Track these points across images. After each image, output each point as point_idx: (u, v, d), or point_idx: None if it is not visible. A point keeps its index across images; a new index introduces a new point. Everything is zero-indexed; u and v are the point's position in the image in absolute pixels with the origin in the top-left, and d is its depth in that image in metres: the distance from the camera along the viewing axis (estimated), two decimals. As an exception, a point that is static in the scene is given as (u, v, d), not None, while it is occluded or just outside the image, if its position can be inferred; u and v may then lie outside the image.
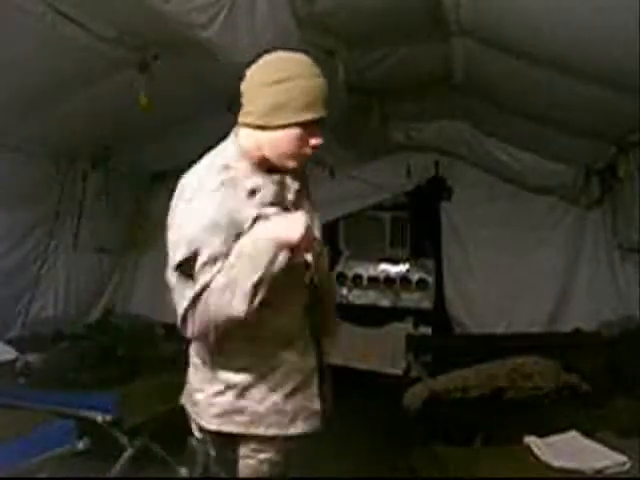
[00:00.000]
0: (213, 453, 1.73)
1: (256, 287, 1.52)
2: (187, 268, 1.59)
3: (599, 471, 2.34)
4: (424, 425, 3.33)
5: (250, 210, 1.62)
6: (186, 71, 3.71)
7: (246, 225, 1.60)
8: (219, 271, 1.55)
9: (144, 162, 5.33)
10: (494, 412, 3.13)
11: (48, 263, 4.72)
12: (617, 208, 4.66)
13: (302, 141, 1.65)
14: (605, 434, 2.63)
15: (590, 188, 4.82)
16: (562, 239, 5.20)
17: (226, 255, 1.56)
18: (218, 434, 1.71)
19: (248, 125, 1.68)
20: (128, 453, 3.31)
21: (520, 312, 5.23)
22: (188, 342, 1.79)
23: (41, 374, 3.48)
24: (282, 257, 1.55)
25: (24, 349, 3.87)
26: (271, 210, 1.66)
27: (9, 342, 4.04)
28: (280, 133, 1.63)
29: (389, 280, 5.92)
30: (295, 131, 1.63)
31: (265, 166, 1.70)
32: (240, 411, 1.68)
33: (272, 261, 1.54)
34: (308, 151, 1.67)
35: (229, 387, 1.68)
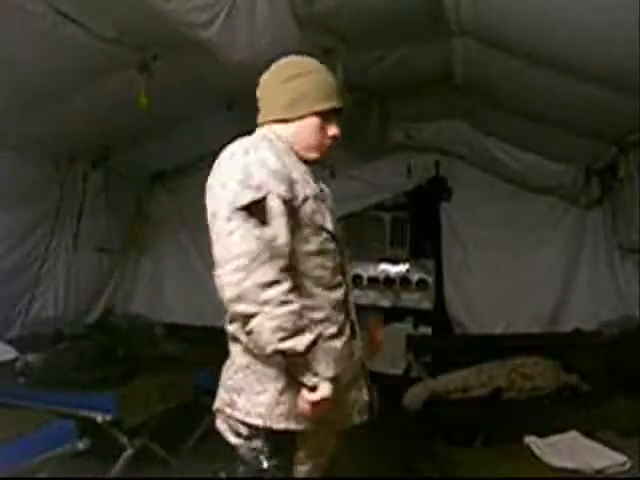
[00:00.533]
0: (269, 456, 1.66)
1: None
2: (252, 212, 1.56)
3: (599, 471, 2.34)
4: (424, 425, 3.34)
5: (304, 186, 1.68)
6: (186, 71, 3.71)
7: (299, 195, 1.65)
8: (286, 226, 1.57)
9: (144, 162, 5.33)
10: (494, 412, 3.13)
11: (48, 263, 4.72)
12: (617, 208, 4.66)
13: (322, 131, 1.75)
14: (605, 434, 2.63)
15: (590, 188, 4.82)
16: (562, 239, 5.20)
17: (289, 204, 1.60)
18: (278, 434, 1.64)
19: (270, 122, 1.78)
20: (128, 453, 3.31)
21: (520, 312, 5.23)
22: (229, 340, 1.73)
23: (41, 374, 3.48)
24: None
25: (24, 349, 3.87)
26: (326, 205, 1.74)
27: (9, 342, 4.04)
28: (301, 124, 1.75)
29: (389, 280, 5.92)
30: (315, 121, 1.74)
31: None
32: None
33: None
34: (328, 142, 1.78)
35: (292, 383, 1.62)
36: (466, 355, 3.94)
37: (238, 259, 1.53)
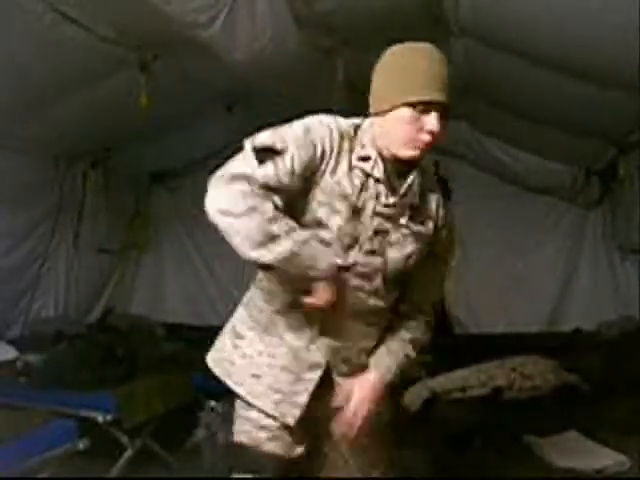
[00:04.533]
0: None
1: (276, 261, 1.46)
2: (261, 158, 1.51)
3: (599, 471, 2.35)
4: (424, 425, 3.33)
5: (349, 176, 1.58)
6: (186, 71, 3.71)
7: (343, 181, 1.57)
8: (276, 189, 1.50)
9: (144, 162, 5.33)
10: (494, 412, 3.13)
11: (48, 263, 4.72)
12: (617, 209, 4.67)
13: (413, 125, 1.54)
14: (605, 434, 2.63)
15: (590, 188, 4.82)
16: (562, 239, 5.21)
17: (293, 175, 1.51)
18: None
19: (370, 115, 1.63)
20: (128, 453, 3.31)
21: (520, 312, 5.23)
22: None
23: (41, 374, 3.47)
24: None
25: (24, 349, 3.87)
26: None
27: (9, 342, 4.04)
28: (390, 117, 1.56)
29: (389, 280, 5.91)
30: (404, 113, 1.54)
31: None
32: None
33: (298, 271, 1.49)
34: (424, 137, 1.54)
35: None
36: (466, 355, 3.94)
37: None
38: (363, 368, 1.73)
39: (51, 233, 4.69)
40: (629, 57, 2.53)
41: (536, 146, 4.65)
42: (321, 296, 1.52)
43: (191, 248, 5.85)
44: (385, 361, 1.75)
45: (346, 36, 3.48)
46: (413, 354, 1.79)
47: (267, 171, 1.50)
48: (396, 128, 1.56)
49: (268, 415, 1.65)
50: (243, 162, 1.52)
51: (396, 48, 1.61)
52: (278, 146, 1.52)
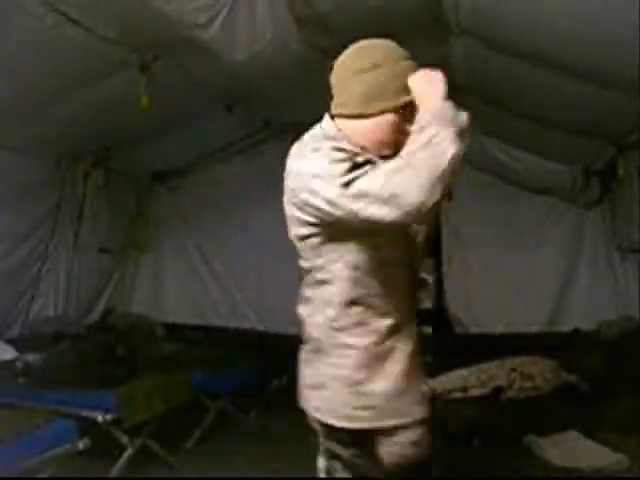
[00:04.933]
0: None
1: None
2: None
3: (599, 470, 2.35)
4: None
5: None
6: (186, 71, 3.71)
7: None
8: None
9: (144, 162, 5.33)
10: (494, 412, 3.13)
11: (48, 263, 4.73)
12: (616, 208, 4.67)
13: (398, 127, 1.59)
14: (605, 434, 2.63)
15: (590, 188, 4.82)
16: (562, 239, 5.21)
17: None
18: None
19: (344, 116, 1.62)
20: (128, 453, 3.31)
21: (520, 312, 5.23)
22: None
23: (41, 374, 3.48)
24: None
25: (24, 349, 3.87)
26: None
27: (9, 342, 4.04)
28: (377, 120, 1.59)
29: (389, 280, 5.91)
30: (391, 117, 1.59)
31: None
32: None
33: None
34: (404, 139, 1.55)
35: None
36: (466, 355, 3.94)
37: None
38: None
39: (51, 233, 4.69)
40: (629, 57, 2.53)
41: (536, 146, 4.65)
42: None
43: (191, 248, 5.85)
44: None
45: (346, 36, 3.47)
46: None
47: None
48: (381, 131, 1.59)
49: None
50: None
51: (363, 48, 1.63)
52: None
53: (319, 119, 1.68)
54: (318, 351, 1.63)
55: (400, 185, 1.39)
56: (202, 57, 3.20)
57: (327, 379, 1.60)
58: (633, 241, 4.36)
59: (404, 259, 1.66)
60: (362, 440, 1.62)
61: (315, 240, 1.58)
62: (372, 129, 1.60)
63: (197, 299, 5.87)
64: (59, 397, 3.20)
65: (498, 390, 3.37)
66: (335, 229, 1.52)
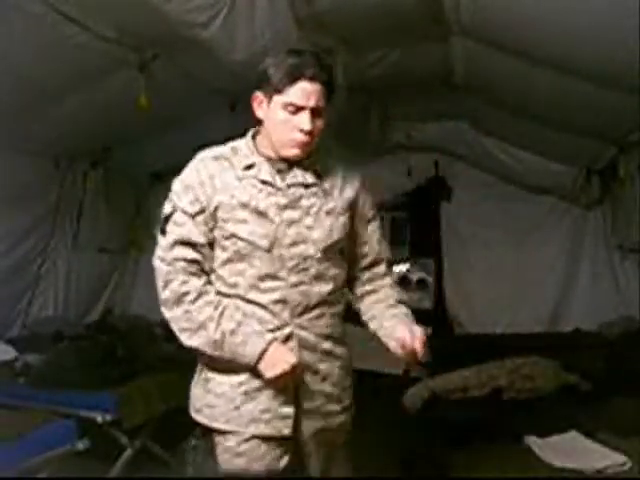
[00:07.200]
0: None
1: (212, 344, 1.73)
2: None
3: (599, 471, 2.34)
4: (424, 425, 3.33)
5: (244, 189, 1.69)
6: (186, 71, 3.71)
7: (233, 199, 1.68)
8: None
9: (144, 162, 5.33)
10: (494, 412, 3.13)
11: (48, 263, 4.72)
12: (617, 208, 4.66)
13: (287, 125, 1.66)
14: (605, 434, 2.62)
15: (590, 188, 4.81)
16: (562, 239, 5.20)
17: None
18: None
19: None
20: (128, 453, 3.31)
21: (520, 312, 5.23)
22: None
23: (41, 374, 3.47)
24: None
25: (24, 349, 3.87)
26: (263, 204, 1.68)
27: (9, 342, 4.04)
28: (269, 119, 1.71)
29: (389, 280, 5.90)
30: (279, 116, 1.67)
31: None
32: None
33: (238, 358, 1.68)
34: (299, 137, 1.66)
35: None
36: (466, 355, 3.93)
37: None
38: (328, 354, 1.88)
39: (51, 233, 4.69)
40: (629, 57, 2.52)
41: (536, 146, 4.65)
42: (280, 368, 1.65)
43: (191, 248, 5.84)
44: (395, 319, 1.89)
45: (345, 36, 3.48)
46: (409, 311, 1.97)
47: (170, 235, 1.72)
48: (272, 130, 1.70)
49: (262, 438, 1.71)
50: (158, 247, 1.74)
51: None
52: (168, 211, 1.78)
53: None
54: None
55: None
56: (202, 57, 3.20)
57: None
58: (634, 241, 4.35)
59: None
60: None
61: None
62: (267, 128, 1.76)
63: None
64: (59, 397, 3.20)
65: (498, 390, 3.36)
66: None
